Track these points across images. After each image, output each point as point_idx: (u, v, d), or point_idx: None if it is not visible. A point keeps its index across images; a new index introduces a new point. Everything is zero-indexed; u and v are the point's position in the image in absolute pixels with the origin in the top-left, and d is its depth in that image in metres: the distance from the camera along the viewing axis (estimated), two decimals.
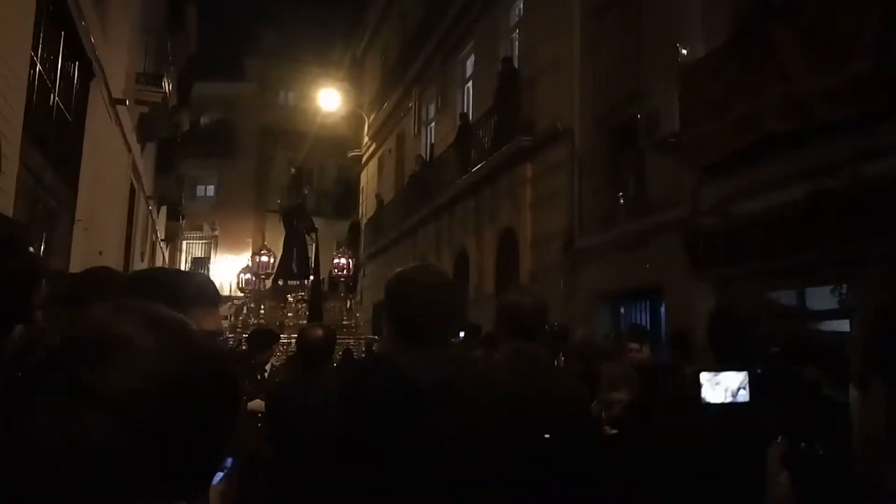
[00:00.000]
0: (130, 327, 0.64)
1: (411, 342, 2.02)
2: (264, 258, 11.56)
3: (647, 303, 8.99)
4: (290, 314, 10.65)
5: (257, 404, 5.25)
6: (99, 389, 0.59)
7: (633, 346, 5.18)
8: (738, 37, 6.83)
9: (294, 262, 12.00)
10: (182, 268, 27.18)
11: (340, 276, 11.60)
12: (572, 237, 10.32)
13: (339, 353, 9.41)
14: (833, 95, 5.70)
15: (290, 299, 10.93)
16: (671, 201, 8.08)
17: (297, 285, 11.53)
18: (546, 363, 2.89)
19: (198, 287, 1.38)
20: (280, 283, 11.91)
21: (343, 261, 11.78)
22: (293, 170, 13.87)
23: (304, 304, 10.66)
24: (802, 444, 1.49)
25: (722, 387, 1.54)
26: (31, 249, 1.13)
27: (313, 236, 12.18)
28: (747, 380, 1.53)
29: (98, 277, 1.57)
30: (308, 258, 12.10)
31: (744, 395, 1.52)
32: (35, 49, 6.26)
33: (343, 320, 10.66)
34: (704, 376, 1.55)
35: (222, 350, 0.70)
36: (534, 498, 2.31)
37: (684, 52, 7.72)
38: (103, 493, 0.58)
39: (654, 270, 8.35)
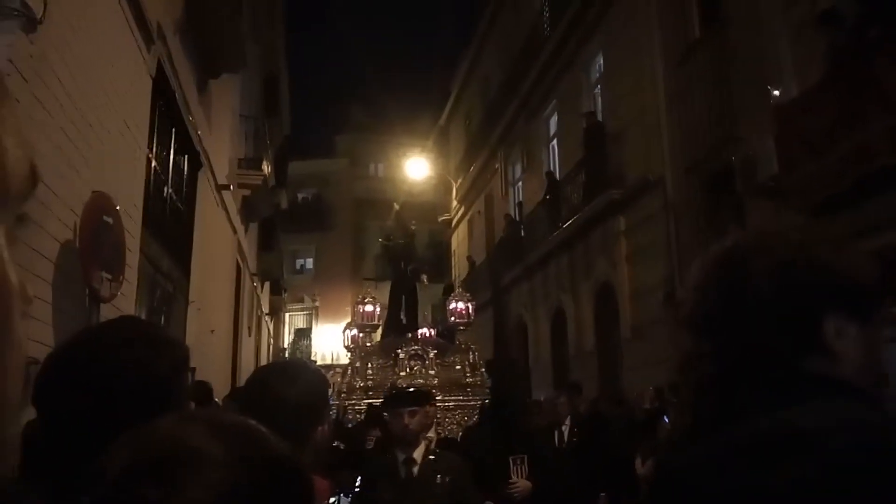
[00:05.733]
0: (196, 439, 0.62)
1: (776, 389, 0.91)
2: (368, 307, 9.84)
3: None
4: (402, 373, 8.89)
5: None
6: None
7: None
8: (835, 71, 6.60)
9: (403, 312, 10.24)
10: (285, 339, 28.02)
11: (459, 325, 9.75)
12: (674, 287, 10.03)
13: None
14: None
15: (402, 355, 9.16)
16: None
17: (408, 338, 9.68)
18: None
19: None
20: (389, 338, 10.08)
21: (461, 305, 9.83)
22: (396, 206, 11.88)
23: (417, 360, 9.09)
24: None
25: None
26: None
27: (424, 279, 10.57)
28: None
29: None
30: (418, 306, 10.45)
31: None
32: (150, 147, 6.79)
33: (466, 377, 9.06)
34: None
35: (290, 448, 0.67)
36: None
37: (776, 93, 7.54)
38: None
39: None
